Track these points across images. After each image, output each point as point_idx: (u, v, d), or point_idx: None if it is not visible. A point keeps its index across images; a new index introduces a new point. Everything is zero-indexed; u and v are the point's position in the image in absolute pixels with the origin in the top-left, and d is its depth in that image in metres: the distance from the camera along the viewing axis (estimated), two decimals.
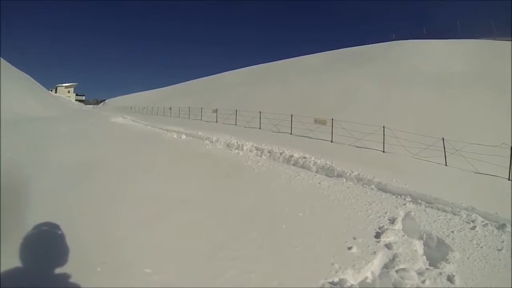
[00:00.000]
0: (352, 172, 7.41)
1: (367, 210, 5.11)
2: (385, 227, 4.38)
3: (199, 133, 14.27)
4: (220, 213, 4.41)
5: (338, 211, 4.97)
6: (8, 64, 26.20)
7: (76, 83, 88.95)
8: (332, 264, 3.18)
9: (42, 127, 12.26)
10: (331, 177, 7.42)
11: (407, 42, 29.56)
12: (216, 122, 20.40)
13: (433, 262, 3.59)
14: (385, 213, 5.01)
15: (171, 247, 3.22)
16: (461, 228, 4.66)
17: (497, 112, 14.04)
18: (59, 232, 2.94)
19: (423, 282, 3.07)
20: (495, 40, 24.79)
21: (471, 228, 4.70)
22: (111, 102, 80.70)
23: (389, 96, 17.58)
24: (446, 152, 10.15)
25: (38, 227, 2.96)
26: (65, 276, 2.36)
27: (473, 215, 5.15)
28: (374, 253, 3.56)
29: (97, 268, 2.69)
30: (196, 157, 8.96)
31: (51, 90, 65.36)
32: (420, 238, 4.25)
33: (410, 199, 5.94)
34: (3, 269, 2.33)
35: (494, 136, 10.92)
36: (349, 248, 3.59)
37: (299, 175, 7.31)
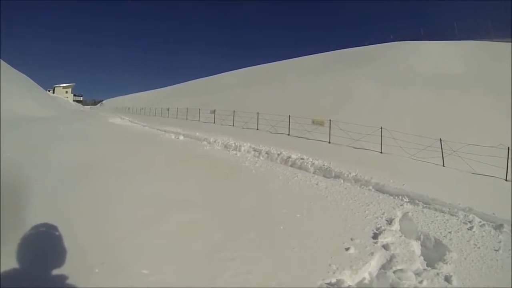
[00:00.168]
0: (350, 173, 7.42)
1: (365, 211, 5.13)
2: (383, 228, 4.39)
3: (197, 134, 14.26)
4: (218, 214, 4.41)
5: (336, 212, 4.98)
6: (6, 64, 26.11)
7: (74, 84, 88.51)
8: (330, 265, 3.19)
9: (41, 128, 12.21)
10: (328, 178, 7.43)
11: (405, 43, 29.65)
12: (214, 123, 20.37)
13: (430, 262, 3.60)
14: (383, 214, 5.03)
15: (169, 248, 3.22)
16: (458, 229, 4.69)
17: (494, 113, 14.09)
18: (58, 232, 2.93)
19: (421, 282, 3.09)
20: (493, 41, 24.88)
21: (468, 229, 4.72)
22: (108, 102, 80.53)
23: (387, 97, 17.61)
24: (443, 153, 10.19)
25: (37, 227, 2.95)
26: (63, 277, 2.36)
27: (471, 216, 5.18)
28: (372, 254, 3.57)
29: (95, 269, 2.69)
30: (193, 158, 8.95)
31: (48, 91, 65.00)
32: (418, 238, 4.27)
33: (407, 200, 5.96)
34: (3, 269, 2.33)
35: (491, 137, 10.96)
36: (347, 249, 3.60)
37: (297, 176, 7.31)
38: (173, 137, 13.94)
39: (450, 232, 4.51)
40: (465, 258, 3.77)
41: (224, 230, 3.81)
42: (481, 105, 14.96)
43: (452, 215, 5.27)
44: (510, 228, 4.74)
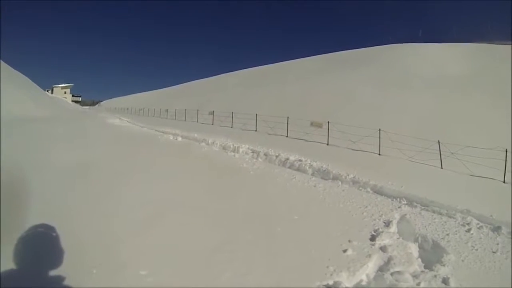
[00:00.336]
0: (348, 175, 7.42)
1: (363, 213, 5.13)
2: (380, 230, 4.39)
3: (195, 135, 14.24)
4: (216, 215, 4.40)
5: (334, 214, 4.98)
6: (5, 64, 26.05)
7: (72, 84, 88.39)
8: (327, 266, 3.18)
9: (39, 128, 12.18)
10: (326, 180, 7.43)
11: (403, 45, 29.79)
12: (213, 124, 20.37)
13: (428, 264, 3.60)
14: (381, 216, 5.03)
15: (167, 249, 3.21)
16: (456, 231, 4.69)
17: (493, 115, 14.14)
18: (55, 233, 2.91)
19: (418, 284, 3.08)
20: (492, 44, 24.98)
21: (466, 231, 4.73)
22: (107, 103, 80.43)
23: (385, 99, 17.65)
24: (441, 155, 10.21)
25: (35, 228, 2.94)
26: (60, 278, 2.35)
27: (468, 218, 5.19)
28: (369, 256, 3.56)
29: (93, 270, 2.68)
30: (192, 159, 8.94)
31: (47, 91, 64.83)
32: (415, 240, 4.26)
33: (405, 202, 5.96)
34: (3, 269, 2.32)
35: (489, 139, 10.99)
36: (344, 251, 3.60)
37: (295, 177, 7.31)
38: (171, 138, 13.92)
39: (448, 234, 4.52)
40: (462, 260, 3.76)
41: (222, 232, 3.80)
42: (480, 107, 15.02)
43: (450, 217, 5.28)
44: (507, 230, 4.75)
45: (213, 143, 12.06)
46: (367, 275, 3.23)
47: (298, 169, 8.34)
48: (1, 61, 25.12)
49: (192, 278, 2.76)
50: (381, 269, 3.36)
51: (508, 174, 8.87)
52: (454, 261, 3.70)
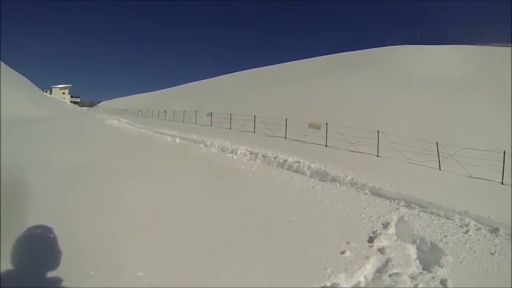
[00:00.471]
0: (346, 177, 7.42)
1: (361, 215, 5.13)
2: (378, 231, 4.39)
3: (194, 136, 14.23)
4: (214, 216, 4.39)
5: (332, 216, 4.98)
6: (4, 64, 26.01)
7: (71, 85, 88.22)
8: (325, 268, 3.18)
9: (38, 129, 12.16)
10: (325, 181, 7.42)
11: (402, 47, 29.87)
12: (211, 125, 20.38)
13: (426, 266, 3.60)
14: (379, 218, 5.03)
15: (165, 250, 3.20)
16: (454, 232, 4.70)
17: (491, 117, 14.19)
18: (54, 234, 2.91)
19: (416, 286, 3.08)
20: (491, 45, 25.08)
21: (464, 232, 4.73)
22: (105, 104, 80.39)
23: (384, 100, 17.70)
24: (440, 157, 10.23)
25: (33, 229, 2.94)
26: (59, 279, 2.35)
27: (466, 219, 5.19)
28: (367, 257, 3.56)
29: (90, 271, 2.67)
30: (190, 161, 8.93)
31: (45, 91, 64.75)
32: (413, 242, 4.27)
33: (403, 204, 5.96)
34: (3, 269, 2.32)
35: (488, 140, 11.03)
36: (342, 253, 3.59)
37: (293, 179, 7.31)
38: (169, 139, 13.90)
39: (446, 236, 4.52)
40: (461, 262, 3.77)
41: (220, 233, 3.79)
42: (479, 109, 15.07)
43: (448, 218, 5.28)
44: (505, 231, 4.75)
45: (211, 144, 12.05)
46: (365, 277, 3.22)
47: (296, 171, 8.33)
48: (1, 61, 25.10)
49: (190, 279, 2.75)
50: (379, 271, 3.36)
51: (506, 176, 8.90)
52: (452, 262, 3.71)
